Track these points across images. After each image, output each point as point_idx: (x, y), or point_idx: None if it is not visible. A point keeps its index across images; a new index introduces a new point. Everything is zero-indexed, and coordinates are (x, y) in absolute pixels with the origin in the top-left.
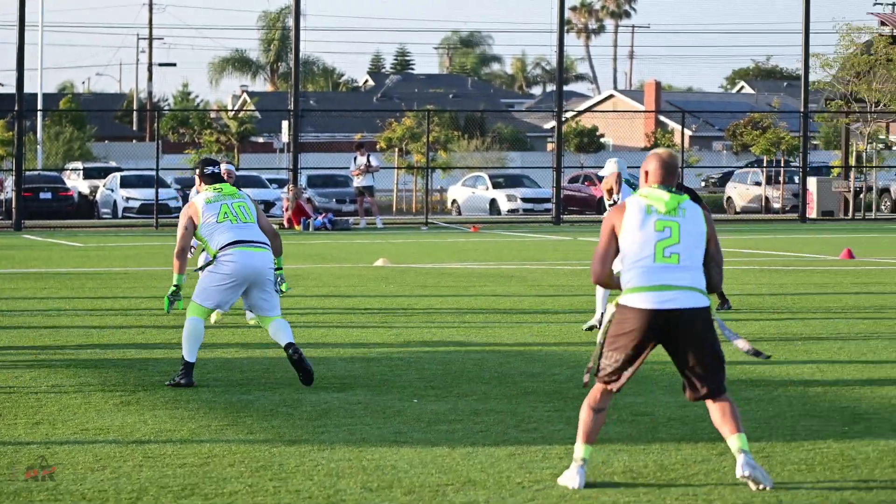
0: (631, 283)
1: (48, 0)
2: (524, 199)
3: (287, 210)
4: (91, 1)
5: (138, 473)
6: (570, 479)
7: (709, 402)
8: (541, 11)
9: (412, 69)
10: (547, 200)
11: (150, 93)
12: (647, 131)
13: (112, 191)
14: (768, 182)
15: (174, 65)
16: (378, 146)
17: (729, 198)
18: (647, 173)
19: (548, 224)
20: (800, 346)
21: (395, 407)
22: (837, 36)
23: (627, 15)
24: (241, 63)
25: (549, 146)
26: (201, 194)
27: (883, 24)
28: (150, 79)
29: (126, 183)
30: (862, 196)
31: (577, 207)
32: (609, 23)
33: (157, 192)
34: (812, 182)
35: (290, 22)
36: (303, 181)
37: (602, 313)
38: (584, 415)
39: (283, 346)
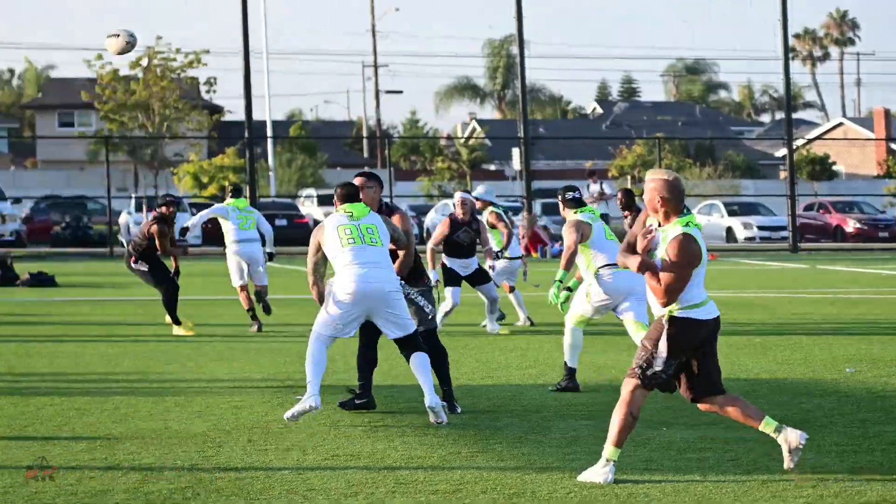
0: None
1: (271, 27)
2: (760, 227)
3: (524, 238)
4: (314, 28)
5: (391, 500)
6: None
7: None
8: (764, 38)
9: (639, 96)
10: (783, 228)
11: (378, 120)
12: (879, 159)
13: None
14: None
15: (401, 92)
16: (609, 174)
17: None
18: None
19: (785, 252)
20: None
21: (644, 434)
22: None
23: (852, 42)
24: (467, 90)
25: (782, 174)
26: (582, 214)
27: None
28: (377, 106)
29: None
30: None
31: (814, 235)
32: (833, 50)
33: None
34: None
35: (515, 49)
36: (537, 209)
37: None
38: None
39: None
